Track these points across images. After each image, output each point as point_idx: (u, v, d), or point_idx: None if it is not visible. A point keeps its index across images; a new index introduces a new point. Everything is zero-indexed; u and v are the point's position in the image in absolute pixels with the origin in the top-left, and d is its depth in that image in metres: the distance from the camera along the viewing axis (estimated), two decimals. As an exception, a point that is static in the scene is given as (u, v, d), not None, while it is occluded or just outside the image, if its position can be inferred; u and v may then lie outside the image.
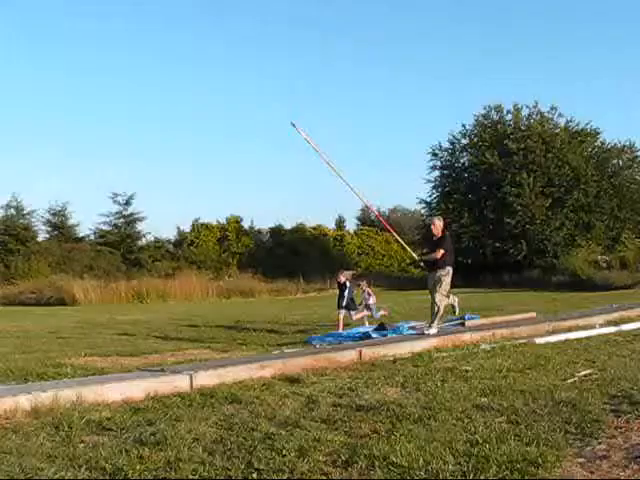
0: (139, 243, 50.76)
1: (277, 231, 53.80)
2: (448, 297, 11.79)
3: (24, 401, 5.85)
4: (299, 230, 53.57)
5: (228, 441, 4.76)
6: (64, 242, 46.84)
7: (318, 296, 35.97)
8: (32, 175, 71.30)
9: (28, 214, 49.29)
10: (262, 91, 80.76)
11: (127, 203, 49.89)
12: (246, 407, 6.00)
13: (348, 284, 13.85)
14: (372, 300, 14.23)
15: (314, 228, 53.66)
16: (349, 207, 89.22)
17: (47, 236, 50.08)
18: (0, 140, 69.40)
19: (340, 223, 58.95)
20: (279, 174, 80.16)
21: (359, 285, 15.22)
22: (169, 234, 54.73)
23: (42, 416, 5.65)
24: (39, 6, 71.31)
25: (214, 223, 53.69)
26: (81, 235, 50.81)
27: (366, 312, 14.02)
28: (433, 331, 10.96)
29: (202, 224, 53.25)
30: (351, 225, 60.06)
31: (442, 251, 11.24)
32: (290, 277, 40.89)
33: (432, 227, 11.71)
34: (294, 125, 12.01)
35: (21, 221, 48.47)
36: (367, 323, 13.52)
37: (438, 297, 11.22)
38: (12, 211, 48.45)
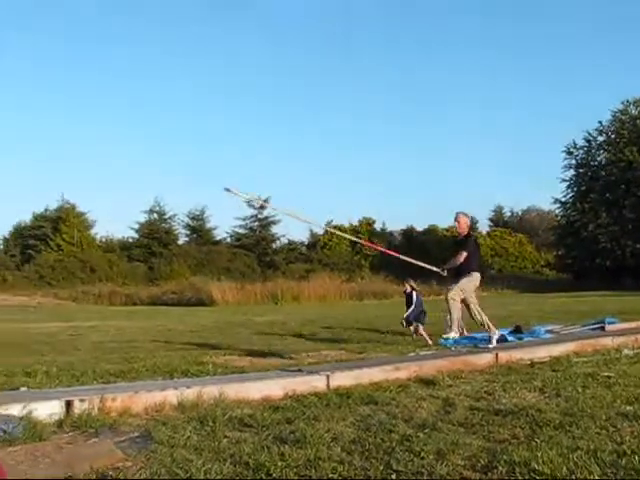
0: (273, 246, 52.09)
1: (409, 233, 53.66)
2: (462, 303, 10.25)
3: (172, 396, 6.16)
4: (431, 231, 53.19)
5: (366, 442, 4.81)
6: (202, 245, 48.71)
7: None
8: (173, 180, 74.53)
9: (169, 218, 51.88)
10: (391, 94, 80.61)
11: (262, 207, 51.28)
12: (382, 408, 6.03)
13: (414, 294, 12.84)
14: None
15: (446, 229, 53.06)
16: (481, 208, 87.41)
17: (187, 239, 52.40)
18: (143, 147, 73.25)
19: (473, 224, 58.05)
20: (411, 175, 79.67)
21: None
22: (302, 237, 55.76)
23: (187, 410, 5.91)
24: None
25: (346, 225, 54.16)
26: (218, 238, 52.81)
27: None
28: (451, 334, 9.94)
29: (335, 226, 53.82)
30: (483, 226, 59.00)
31: (464, 254, 9.75)
32: (422, 279, 40.56)
33: (456, 225, 10.22)
34: (229, 190, 10.38)
35: (163, 225, 50.97)
36: (429, 341, 11.79)
37: (454, 292, 9.94)
38: (155, 216, 51.03)
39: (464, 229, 10.13)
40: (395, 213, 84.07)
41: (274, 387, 6.80)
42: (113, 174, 76.78)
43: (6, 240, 53.80)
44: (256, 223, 51.98)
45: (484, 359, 8.74)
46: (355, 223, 54.54)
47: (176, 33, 77.20)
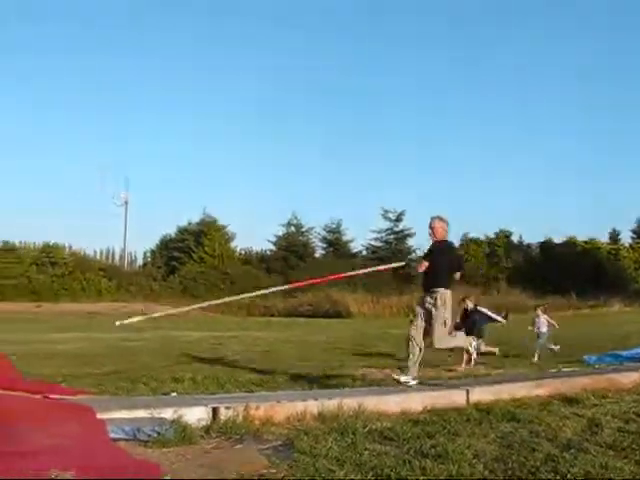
0: (409, 258, 51.92)
1: (547, 245, 52.07)
2: (452, 334, 8.71)
3: (312, 406, 6.27)
4: (570, 244, 51.37)
5: (509, 460, 4.71)
6: (339, 258, 49.27)
7: (591, 313, 34.16)
8: (311, 193, 75.85)
9: (307, 231, 52.82)
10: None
11: (397, 220, 51.44)
12: (524, 426, 5.89)
13: (482, 309, 12.08)
14: (545, 328, 12.92)
15: (586, 242, 51.12)
16: (624, 219, 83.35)
17: (323, 252, 53.14)
18: (281, 161, 75.10)
19: (614, 236, 55.53)
20: (549, 186, 77.09)
21: (536, 309, 13.86)
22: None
23: (328, 421, 5.99)
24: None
25: (482, 238, 53.32)
26: (354, 251, 53.25)
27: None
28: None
29: (471, 239, 53.10)
30: (626, 238, 56.17)
31: (426, 263, 8.32)
32: (561, 293, 39.43)
33: (430, 232, 8.60)
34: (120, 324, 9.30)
35: (300, 238, 52.03)
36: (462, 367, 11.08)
37: (438, 340, 8.12)
38: (292, 229, 52.18)
39: (442, 235, 8.58)
40: (533, 225, 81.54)
41: (413, 400, 6.80)
42: (253, 188, 78.96)
43: (153, 252, 56.54)
44: (392, 236, 52.11)
45: (631, 378, 8.39)
46: (492, 235, 53.60)
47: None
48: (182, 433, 5.30)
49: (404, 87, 78.48)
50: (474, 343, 10.96)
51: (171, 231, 55.35)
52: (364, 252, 53.16)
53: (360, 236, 57.91)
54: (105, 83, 75.23)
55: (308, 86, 77.91)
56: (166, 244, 55.01)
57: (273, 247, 53.34)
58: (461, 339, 9.16)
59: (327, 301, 36.76)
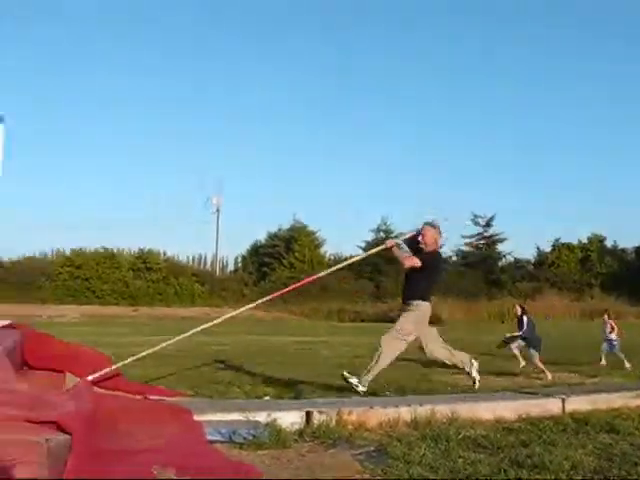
0: (499, 264, 51.17)
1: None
2: (401, 343, 7.80)
3: (405, 413, 6.27)
4: (668, 248, 49.48)
5: (609, 473, 4.57)
6: (428, 263, 48.93)
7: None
8: (399, 199, 75.57)
9: (396, 237, 52.67)
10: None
11: (488, 225, 50.76)
12: (624, 438, 5.71)
13: (525, 318, 11.52)
14: (614, 335, 12.51)
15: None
16: None
17: (412, 257, 52.92)
18: (372, 165, 75.11)
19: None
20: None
21: (606, 310, 13.36)
22: (529, 254, 54.25)
23: (420, 428, 5.96)
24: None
25: (575, 243, 52.02)
26: (444, 256, 52.88)
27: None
28: (359, 387, 7.61)
29: (563, 244, 51.89)
30: None
31: (417, 261, 7.53)
32: (637, 298, 38.18)
33: (422, 238, 7.85)
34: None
35: (388, 244, 51.97)
36: (549, 375, 10.46)
37: (385, 339, 7.72)
38: (382, 234, 52.16)
39: (431, 244, 7.86)
40: (628, 228, 78.66)
41: (507, 408, 6.71)
42: (343, 194, 79.26)
43: (244, 258, 57.56)
44: (482, 241, 51.42)
45: None
46: (584, 240, 52.16)
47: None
48: (276, 436, 5.38)
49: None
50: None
51: (261, 237, 56.33)
52: (454, 257, 52.62)
53: (450, 242, 57.36)
54: (201, 89, 77.17)
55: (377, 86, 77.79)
56: (257, 250, 55.90)
57: (363, 253, 53.38)
58: (385, 360, 7.83)
59: (417, 307, 36.58)
